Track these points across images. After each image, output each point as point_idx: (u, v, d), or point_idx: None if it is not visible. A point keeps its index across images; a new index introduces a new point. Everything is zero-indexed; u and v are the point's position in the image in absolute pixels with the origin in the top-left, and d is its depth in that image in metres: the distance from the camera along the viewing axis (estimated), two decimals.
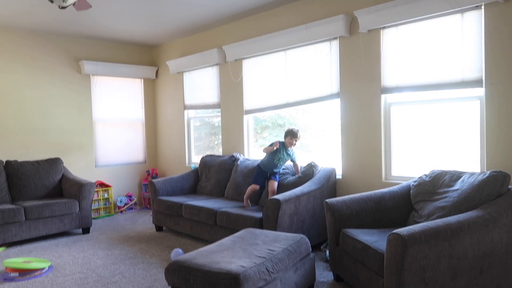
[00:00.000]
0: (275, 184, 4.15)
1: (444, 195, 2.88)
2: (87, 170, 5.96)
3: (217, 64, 5.51)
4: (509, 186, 2.65)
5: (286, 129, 4.28)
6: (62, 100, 5.73)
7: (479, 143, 3.28)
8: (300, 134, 4.16)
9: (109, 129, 6.24)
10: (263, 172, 4.20)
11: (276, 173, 4.20)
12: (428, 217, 2.86)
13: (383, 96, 3.82)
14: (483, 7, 3.12)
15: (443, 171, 3.09)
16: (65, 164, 5.64)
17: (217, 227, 4.08)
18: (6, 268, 3.48)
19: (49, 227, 4.61)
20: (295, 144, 4.15)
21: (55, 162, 5.27)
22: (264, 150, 4.23)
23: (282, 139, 4.24)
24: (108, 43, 6.20)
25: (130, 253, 4.04)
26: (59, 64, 5.70)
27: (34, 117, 5.49)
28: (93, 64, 5.88)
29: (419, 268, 2.24)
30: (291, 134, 4.13)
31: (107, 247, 4.28)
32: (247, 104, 5.16)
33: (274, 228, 3.46)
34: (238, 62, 5.19)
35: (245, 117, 5.22)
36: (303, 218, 3.70)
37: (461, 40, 3.28)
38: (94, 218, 5.71)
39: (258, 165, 4.26)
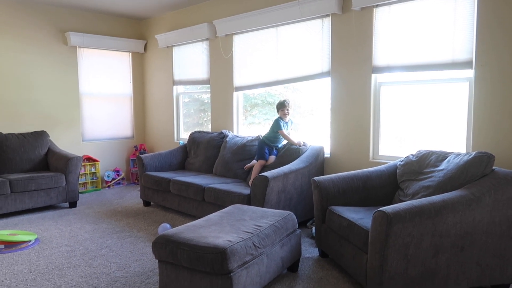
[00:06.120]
0: (274, 158, 4.20)
1: (429, 175, 2.92)
2: (74, 144, 5.89)
3: (207, 39, 5.41)
4: (493, 167, 2.70)
5: (275, 105, 4.29)
6: (48, 73, 5.59)
7: (466, 124, 3.31)
8: (288, 101, 4.19)
9: (97, 103, 6.14)
10: (268, 147, 4.22)
11: (277, 147, 4.24)
12: (413, 196, 2.91)
13: (373, 76, 3.81)
14: None
15: (430, 151, 3.13)
16: (51, 138, 5.57)
17: (205, 203, 4.10)
18: None
19: (35, 200, 4.57)
20: (288, 112, 4.18)
21: (40, 135, 5.19)
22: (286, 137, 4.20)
23: (272, 117, 4.23)
24: (95, 14, 6.03)
25: (117, 227, 4.04)
26: (45, 35, 5.53)
27: (19, 89, 5.35)
28: (80, 35, 5.72)
29: (403, 245, 2.29)
30: (281, 106, 4.19)
31: (94, 221, 4.27)
32: (237, 81, 5.11)
33: (261, 204, 3.49)
34: (229, 37, 5.11)
35: (235, 94, 5.17)
36: (290, 196, 3.74)
37: (453, 21, 3.26)
38: (81, 192, 5.68)
39: (263, 141, 4.25)
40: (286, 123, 4.20)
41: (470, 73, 3.24)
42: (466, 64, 3.22)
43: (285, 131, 4.15)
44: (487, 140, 3.13)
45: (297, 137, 4.32)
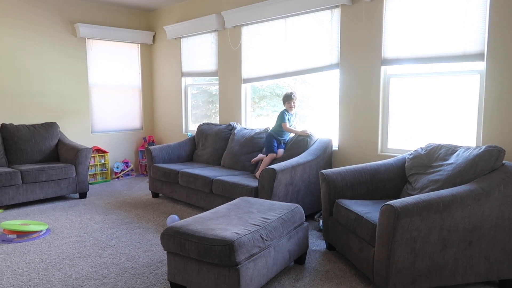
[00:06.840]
0: (282, 152, 4.20)
1: (438, 169, 2.90)
2: (83, 135, 5.94)
3: (215, 31, 5.39)
4: (503, 161, 2.67)
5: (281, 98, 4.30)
6: (57, 64, 5.63)
7: (476, 118, 3.27)
8: (294, 93, 4.19)
9: (106, 95, 6.17)
10: (277, 140, 4.22)
11: (285, 141, 4.24)
12: (421, 190, 2.90)
13: (383, 68, 3.77)
14: None
15: (439, 145, 3.10)
16: (61, 129, 5.63)
17: (212, 195, 4.12)
18: (4, 230, 3.53)
19: (46, 191, 4.64)
20: (294, 105, 4.18)
21: (51, 127, 5.24)
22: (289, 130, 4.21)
23: (279, 109, 4.22)
24: (104, 6, 6.03)
25: (126, 218, 4.09)
26: (54, 27, 5.56)
27: (29, 81, 5.40)
28: (89, 27, 5.74)
29: (410, 239, 2.29)
30: (287, 98, 4.19)
31: (104, 212, 4.33)
32: (245, 73, 5.09)
33: (269, 197, 3.50)
34: (237, 29, 5.08)
35: (243, 86, 5.16)
36: (298, 188, 3.74)
37: (465, 11, 3.21)
38: (91, 183, 5.74)
39: (271, 134, 4.24)
40: (292, 115, 4.19)
41: (481, 65, 3.19)
42: (478, 56, 3.17)
43: (288, 124, 4.14)
44: (498, 133, 3.09)
45: (302, 127, 4.31)
